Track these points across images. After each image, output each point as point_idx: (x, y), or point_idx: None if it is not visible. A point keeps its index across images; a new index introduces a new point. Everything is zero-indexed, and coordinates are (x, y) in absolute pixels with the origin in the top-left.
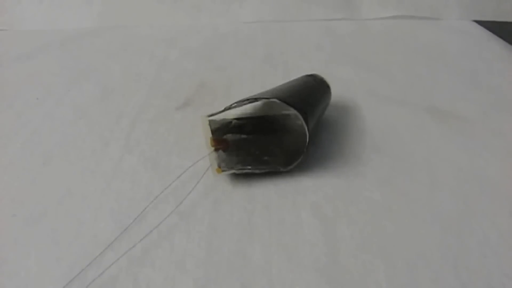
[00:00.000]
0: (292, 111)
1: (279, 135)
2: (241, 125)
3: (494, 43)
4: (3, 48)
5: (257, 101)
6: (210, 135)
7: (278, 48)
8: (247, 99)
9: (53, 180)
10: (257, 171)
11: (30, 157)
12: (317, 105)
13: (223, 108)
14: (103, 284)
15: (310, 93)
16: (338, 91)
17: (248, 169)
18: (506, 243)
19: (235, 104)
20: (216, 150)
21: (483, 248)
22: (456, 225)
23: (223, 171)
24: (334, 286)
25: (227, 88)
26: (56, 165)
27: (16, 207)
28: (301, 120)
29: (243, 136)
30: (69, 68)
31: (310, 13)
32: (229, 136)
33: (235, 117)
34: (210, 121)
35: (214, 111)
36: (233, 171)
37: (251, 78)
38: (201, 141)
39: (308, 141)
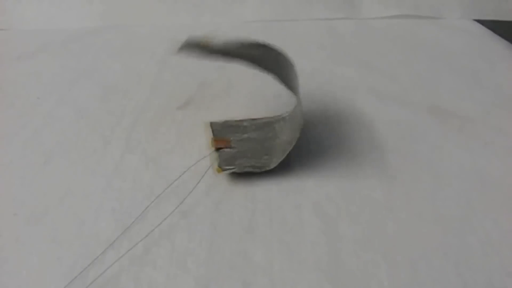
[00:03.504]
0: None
1: (271, 137)
2: (241, 125)
3: (495, 42)
4: (4, 47)
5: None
6: (211, 135)
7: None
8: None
9: (54, 179)
10: (257, 170)
11: (31, 156)
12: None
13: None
14: (104, 283)
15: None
16: (339, 90)
17: (249, 168)
18: (508, 242)
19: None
20: (217, 149)
21: (485, 247)
22: (458, 224)
23: (223, 170)
24: (336, 285)
25: (228, 88)
26: (57, 164)
27: (17, 206)
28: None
29: (244, 135)
30: (70, 67)
31: (311, 13)
32: (230, 136)
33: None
34: (211, 122)
35: (214, 111)
36: (233, 170)
37: (252, 78)
38: (202, 140)
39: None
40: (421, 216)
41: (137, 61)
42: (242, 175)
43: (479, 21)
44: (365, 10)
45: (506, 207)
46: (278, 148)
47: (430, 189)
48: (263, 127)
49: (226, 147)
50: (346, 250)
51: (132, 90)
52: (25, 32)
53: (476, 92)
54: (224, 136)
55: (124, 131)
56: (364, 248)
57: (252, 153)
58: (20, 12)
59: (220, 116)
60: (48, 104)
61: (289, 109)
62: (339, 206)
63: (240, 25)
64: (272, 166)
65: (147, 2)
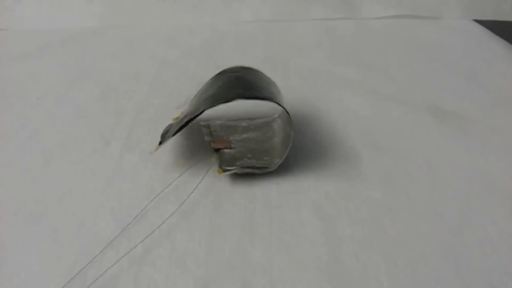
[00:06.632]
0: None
1: (269, 136)
2: (239, 125)
3: (494, 42)
4: (3, 48)
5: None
6: (210, 135)
7: (278, 48)
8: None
9: (53, 179)
10: (258, 172)
11: (31, 156)
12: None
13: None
14: (104, 283)
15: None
16: (338, 91)
17: (249, 169)
18: (506, 241)
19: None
20: (216, 150)
21: (484, 246)
22: (457, 224)
23: (224, 171)
24: (335, 285)
25: None
26: (57, 164)
27: (16, 206)
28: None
29: (243, 136)
30: (69, 67)
31: (310, 13)
32: (229, 136)
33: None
34: (209, 122)
35: (213, 111)
36: (234, 171)
37: None
38: (201, 140)
39: (292, 138)
40: (420, 216)
41: (137, 61)
42: (242, 175)
43: (478, 21)
44: (364, 10)
45: (505, 206)
46: (276, 147)
47: (429, 188)
48: (262, 126)
49: (226, 148)
50: (345, 250)
51: (131, 90)
52: (24, 32)
53: (475, 92)
54: (223, 136)
55: (123, 131)
56: (363, 248)
57: (252, 154)
58: (19, 12)
59: (218, 115)
60: (48, 104)
61: (279, 109)
62: (338, 206)
63: (239, 25)
64: (273, 168)
65: (147, 2)
